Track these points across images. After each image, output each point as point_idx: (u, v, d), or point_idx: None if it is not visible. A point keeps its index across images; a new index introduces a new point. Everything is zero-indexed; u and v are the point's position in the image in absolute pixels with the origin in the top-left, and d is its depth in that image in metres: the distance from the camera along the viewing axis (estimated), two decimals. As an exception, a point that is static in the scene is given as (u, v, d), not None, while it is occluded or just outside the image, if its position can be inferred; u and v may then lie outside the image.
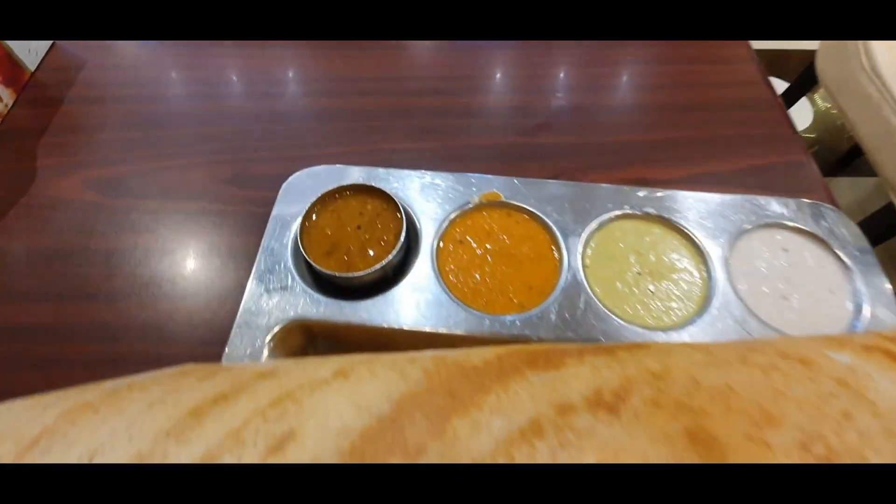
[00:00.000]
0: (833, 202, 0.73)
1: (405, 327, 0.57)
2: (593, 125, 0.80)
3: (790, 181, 0.76)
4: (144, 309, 0.65)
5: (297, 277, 0.60)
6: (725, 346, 0.30)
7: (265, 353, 0.56)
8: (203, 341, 0.62)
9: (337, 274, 0.58)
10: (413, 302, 0.59)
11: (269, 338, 0.57)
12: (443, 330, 0.57)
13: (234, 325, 0.58)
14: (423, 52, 0.88)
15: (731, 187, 0.73)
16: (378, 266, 0.58)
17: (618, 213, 0.67)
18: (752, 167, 0.77)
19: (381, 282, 0.61)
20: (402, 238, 0.60)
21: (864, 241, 0.64)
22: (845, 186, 2.41)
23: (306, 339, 0.60)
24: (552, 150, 0.77)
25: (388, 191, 0.65)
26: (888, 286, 0.61)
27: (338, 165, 0.70)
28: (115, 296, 0.65)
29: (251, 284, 0.60)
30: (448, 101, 0.82)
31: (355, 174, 0.69)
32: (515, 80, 0.86)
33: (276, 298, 0.59)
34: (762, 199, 0.68)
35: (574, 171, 0.76)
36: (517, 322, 0.58)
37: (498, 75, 0.86)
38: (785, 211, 0.67)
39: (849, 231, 0.65)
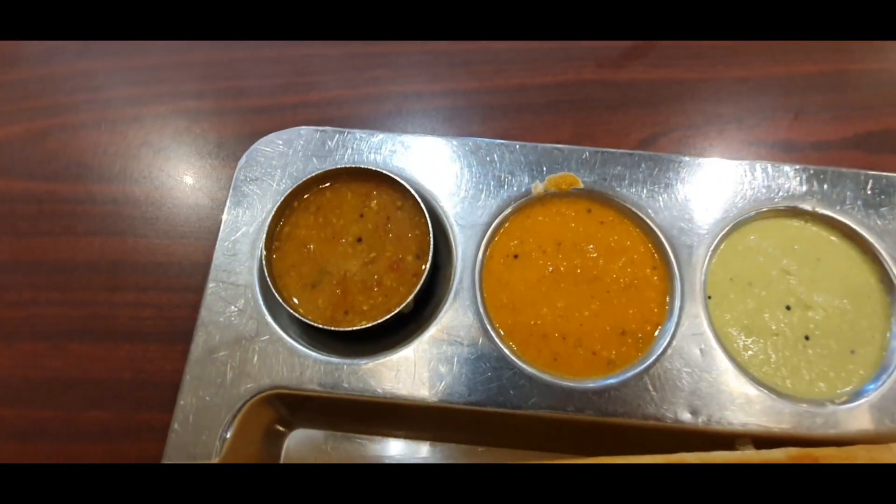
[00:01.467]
0: None
1: (433, 401, 0.38)
2: (717, 50, 0.52)
3: None
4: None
5: (268, 320, 0.39)
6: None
7: (229, 434, 0.37)
8: (141, 404, 0.43)
9: (326, 328, 0.37)
10: (445, 360, 0.38)
11: (231, 416, 0.38)
12: (494, 407, 0.38)
13: (180, 394, 0.38)
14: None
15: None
16: (394, 313, 0.37)
17: (763, 207, 0.43)
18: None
19: (396, 325, 0.40)
20: (428, 261, 0.38)
21: None
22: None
23: (287, 410, 0.41)
24: (653, 91, 0.51)
25: (404, 178, 0.41)
26: None
27: (325, 128, 0.45)
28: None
29: (200, 332, 0.39)
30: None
31: (353, 143, 0.45)
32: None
33: (238, 355, 0.39)
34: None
35: (690, 132, 0.50)
36: (608, 394, 0.38)
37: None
38: None
39: None
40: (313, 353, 0.39)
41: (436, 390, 0.38)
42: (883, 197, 0.44)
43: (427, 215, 0.39)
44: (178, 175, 0.49)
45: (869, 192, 0.44)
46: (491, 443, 0.42)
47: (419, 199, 0.39)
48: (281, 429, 0.42)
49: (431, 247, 0.38)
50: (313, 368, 0.38)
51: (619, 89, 0.51)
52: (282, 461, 0.41)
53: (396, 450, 0.42)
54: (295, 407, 0.41)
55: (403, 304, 0.37)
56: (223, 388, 0.38)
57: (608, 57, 0.52)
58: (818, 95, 0.51)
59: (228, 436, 0.37)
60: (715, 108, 0.50)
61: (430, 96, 0.51)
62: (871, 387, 0.39)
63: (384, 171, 0.40)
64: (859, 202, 0.43)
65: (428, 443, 0.43)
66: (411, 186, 0.41)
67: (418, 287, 0.37)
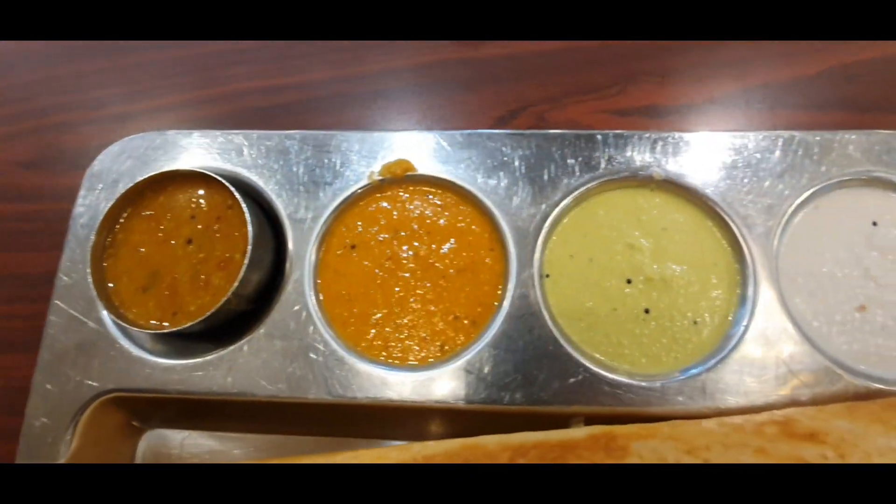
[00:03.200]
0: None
1: (264, 396, 0.38)
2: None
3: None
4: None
5: (108, 325, 0.41)
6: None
7: (74, 436, 0.39)
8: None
9: (148, 331, 0.38)
10: (279, 355, 0.39)
11: (75, 419, 0.39)
12: (328, 398, 0.38)
13: (30, 397, 0.40)
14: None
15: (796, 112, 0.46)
16: (211, 312, 0.37)
17: (607, 178, 0.42)
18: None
19: (229, 325, 0.40)
20: (247, 256, 0.38)
21: None
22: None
23: (135, 411, 0.42)
24: (502, 67, 0.50)
25: (236, 177, 0.41)
26: None
27: (168, 132, 0.45)
28: None
29: (47, 337, 0.41)
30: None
31: (191, 146, 0.45)
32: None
33: (81, 359, 0.40)
34: (844, 135, 0.41)
35: (548, 105, 0.49)
36: (438, 381, 0.38)
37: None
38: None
39: None
40: (149, 356, 0.40)
41: (270, 385, 0.39)
42: (735, 157, 0.41)
43: (247, 212, 0.39)
44: (23, 188, 0.50)
45: (718, 154, 0.42)
46: (341, 433, 0.43)
47: (238, 197, 0.39)
48: (136, 428, 0.43)
49: (250, 242, 0.38)
50: (150, 370, 0.39)
51: (479, 67, 0.49)
52: (137, 461, 0.43)
53: (252, 445, 0.43)
54: (143, 408, 0.42)
55: (222, 301, 0.37)
56: (67, 393, 0.40)
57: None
58: (690, 55, 0.48)
59: (73, 438, 0.39)
60: (577, 76, 0.48)
61: (286, 90, 0.50)
62: (702, 365, 0.37)
63: (211, 174, 0.40)
64: (708, 165, 0.41)
65: (282, 436, 0.43)
66: (241, 185, 0.41)
67: (236, 283, 0.37)
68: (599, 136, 0.42)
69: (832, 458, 0.27)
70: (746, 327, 0.38)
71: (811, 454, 0.28)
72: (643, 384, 0.37)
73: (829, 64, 0.47)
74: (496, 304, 0.39)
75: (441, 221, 0.42)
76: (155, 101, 0.51)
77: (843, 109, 0.46)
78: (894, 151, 0.41)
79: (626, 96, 0.48)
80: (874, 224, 0.40)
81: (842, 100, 0.46)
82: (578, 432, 0.32)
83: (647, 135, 0.42)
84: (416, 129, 0.44)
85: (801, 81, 0.47)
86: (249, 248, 0.38)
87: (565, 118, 0.47)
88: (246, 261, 0.38)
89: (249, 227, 0.38)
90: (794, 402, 0.36)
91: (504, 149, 0.42)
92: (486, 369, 0.38)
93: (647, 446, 0.30)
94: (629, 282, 0.40)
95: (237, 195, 0.39)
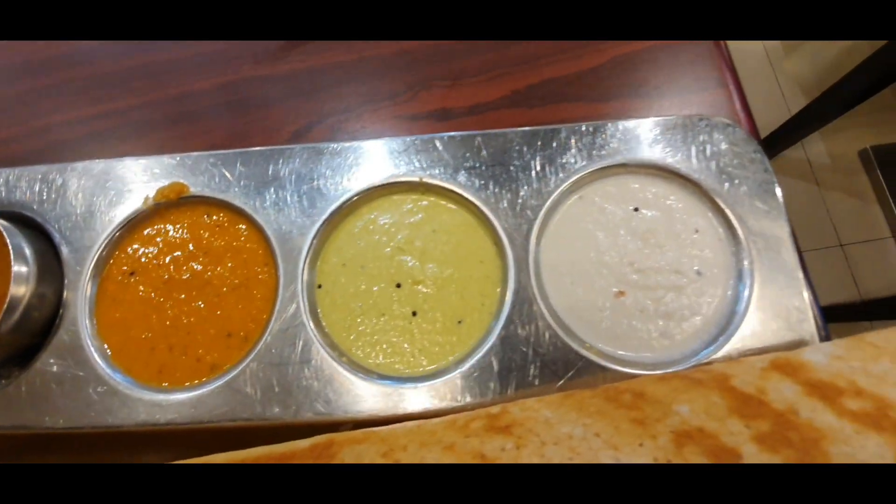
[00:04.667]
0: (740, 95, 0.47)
1: (41, 429, 0.38)
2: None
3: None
4: None
5: None
6: None
7: None
8: None
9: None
10: (55, 386, 0.39)
11: None
12: (102, 428, 0.38)
13: None
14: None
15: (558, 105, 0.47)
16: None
17: (376, 183, 0.42)
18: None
19: (16, 358, 0.40)
20: (8, 289, 0.38)
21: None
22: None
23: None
24: (312, 79, 0.50)
25: (3, 213, 0.42)
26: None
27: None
28: None
29: None
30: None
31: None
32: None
33: None
34: (610, 124, 0.42)
35: (344, 116, 0.49)
36: (204, 401, 0.38)
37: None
38: (645, 138, 0.41)
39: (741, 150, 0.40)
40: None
41: (47, 418, 0.39)
42: (502, 154, 0.42)
43: (9, 244, 0.39)
44: None
45: (484, 154, 0.42)
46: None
47: (2, 230, 0.39)
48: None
49: (13, 274, 0.38)
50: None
51: (278, 83, 0.50)
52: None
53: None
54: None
55: (-16, 341, 0.37)
56: None
57: (266, 51, 0.51)
58: (478, 56, 0.49)
59: None
60: (372, 86, 0.49)
61: (92, 120, 0.50)
62: (462, 364, 0.38)
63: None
64: (475, 165, 0.42)
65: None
66: (23, 220, 0.41)
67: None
68: (366, 145, 0.43)
69: (510, 449, 0.28)
70: (507, 323, 0.38)
71: (492, 448, 0.28)
72: (400, 387, 0.37)
73: (609, 56, 0.48)
74: (265, 317, 0.40)
75: (217, 241, 0.42)
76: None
77: (623, 99, 0.47)
78: (653, 135, 0.42)
79: (418, 101, 0.48)
80: (636, 209, 0.41)
81: (621, 89, 0.47)
82: (303, 442, 0.32)
83: (416, 139, 0.42)
84: (222, 146, 0.44)
85: (583, 75, 0.48)
86: (10, 279, 0.38)
87: (359, 126, 0.48)
88: (8, 293, 0.38)
89: (11, 256, 0.38)
90: (544, 392, 0.36)
91: (277, 165, 0.43)
92: (252, 385, 0.38)
93: (353, 451, 0.30)
94: (398, 286, 0.40)
95: (3, 234, 0.39)
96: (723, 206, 0.40)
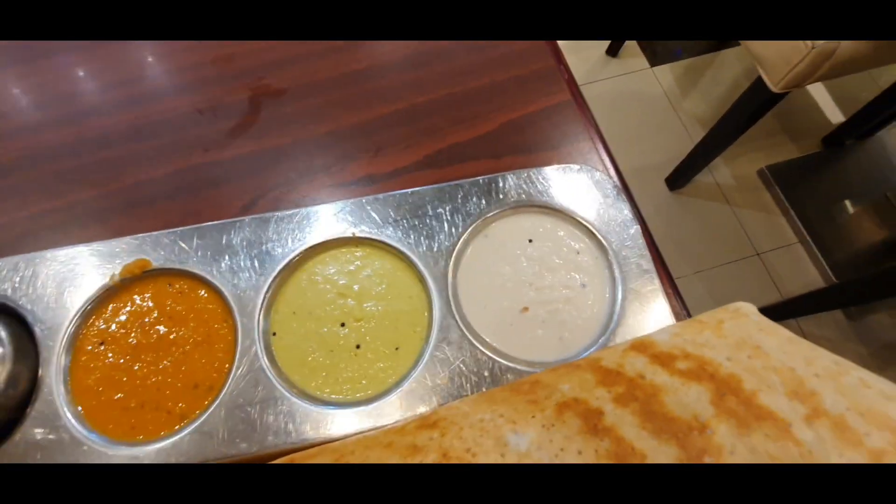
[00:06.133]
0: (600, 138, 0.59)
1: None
2: (304, 115, 0.61)
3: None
4: None
5: None
6: None
7: None
8: None
9: None
10: (39, 454, 0.43)
11: None
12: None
13: None
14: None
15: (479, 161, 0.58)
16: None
17: (316, 241, 0.50)
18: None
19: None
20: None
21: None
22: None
23: None
24: (254, 161, 0.59)
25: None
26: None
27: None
28: None
29: None
30: (80, 128, 0.60)
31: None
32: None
33: None
34: (503, 175, 0.53)
35: (285, 189, 0.58)
36: (177, 447, 0.43)
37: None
38: (532, 181, 0.52)
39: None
40: None
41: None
42: (411, 209, 0.52)
43: (-16, 331, 0.43)
44: None
45: (404, 209, 0.52)
46: None
47: (-25, 319, 0.44)
48: None
49: (-10, 359, 0.43)
50: None
51: (225, 165, 0.58)
52: None
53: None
54: None
55: (-45, 418, 0.41)
56: None
57: (214, 140, 0.59)
58: (395, 130, 0.60)
59: None
60: (307, 162, 0.58)
61: (56, 212, 0.56)
62: (401, 383, 0.45)
63: (-46, 302, 0.45)
64: (397, 219, 0.51)
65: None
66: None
67: (-26, 398, 0.41)
68: (306, 211, 0.51)
69: (436, 437, 0.35)
70: (436, 344, 0.46)
71: (422, 438, 0.35)
72: (350, 410, 0.44)
73: (499, 122, 0.60)
74: (228, 367, 0.46)
75: (180, 306, 0.48)
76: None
77: (512, 155, 0.58)
78: (538, 182, 0.53)
79: (347, 171, 0.58)
80: (530, 241, 0.51)
81: (510, 147, 0.59)
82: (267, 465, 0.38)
83: (348, 202, 0.52)
84: (170, 227, 0.51)
85: (479, 138, 0.59)
86: (-14, 363, 0.42)
87: (299, 196, 0.57)
88: (-16, 376, 0.42)
89: (-14, 347, 0.43)
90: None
91: (230, 235, 0.50)
92: (220, 427, 0.43)
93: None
94: (343, 325, 0.48)
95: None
96: (594, 231, 0.51)
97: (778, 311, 1.76)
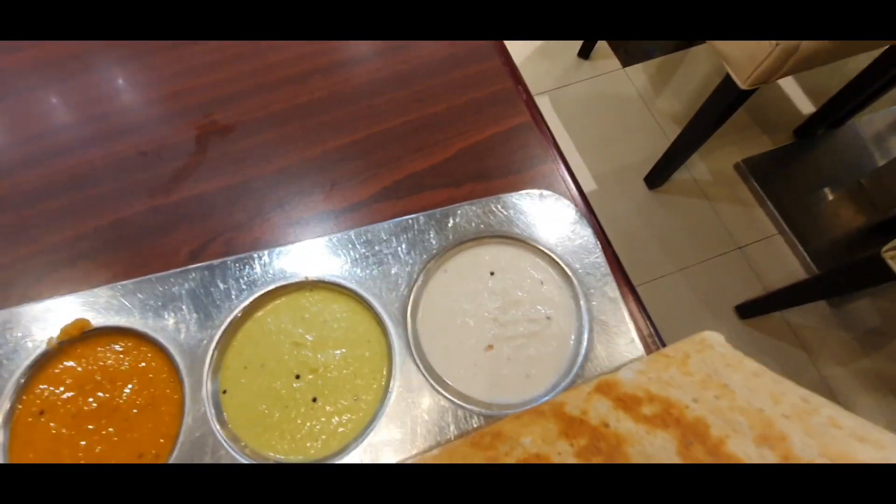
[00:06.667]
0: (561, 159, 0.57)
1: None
2: (259, 150, 0.58)
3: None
4: None
5: None
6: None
7: None
8: None
9: None
10: None
11: None
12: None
13: None
14: None
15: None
16: None
17: (268, 288, 0.48)
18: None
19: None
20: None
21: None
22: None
23: None
24: (201, 204, 0.56)
25: None
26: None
27: None
28: None
29: None
30: (12, 179, 0.57)
31: None
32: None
33: None
34: (461, 206, 0.51)
35: (236, 232, 0.55)
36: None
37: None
38: (487, 215, 0.50)
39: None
40: None
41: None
42: (367, 247, 0.49)
43: None
44: None
45: (359, 248, 0.50)
46: None
47: None
48: None
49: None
50: None
51: (170, 211, 0.55)
52: None
53: None
54: None
55: None
56: None
57: (159, 185, 0.57)
58: (351, 163, 0.58)
59: None
60: (258, 202, 0.56)
61: (-7, 270, 0.53)
62: (363, 435, 0.43)
63: None
64: (354, 258, 0.49)
65: None
66: None
67: None
68: (256, 255, 0.49)
69: None
70: (398, 393, 0.44)
71: None
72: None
73: (457, 148, 0.58)
74: (174, 432, 0.43)
75: (122, 366, 0.45)
76: None
77: (473, 181, 0.56)
78: (497, 211, 0.51)
79: (300, 209, 0.55)
80: (492, 274, 0.49)
81: (469, 174, 0.57)
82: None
83: (301, 244, 0.49)
84: (115, 280, 0.48)
85: (437, 166, 0.57)
86: None
87: (251, 238, 0.54)
88: None
89: None
90: (435, 445, 0.42)
91: (174, 287, 0.47)
92: (168, 498, 0.40)
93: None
94: (298, 377, 0.45)
95: None
96: (557, 260, 0.49)
97: (761, 306, 1.76)
